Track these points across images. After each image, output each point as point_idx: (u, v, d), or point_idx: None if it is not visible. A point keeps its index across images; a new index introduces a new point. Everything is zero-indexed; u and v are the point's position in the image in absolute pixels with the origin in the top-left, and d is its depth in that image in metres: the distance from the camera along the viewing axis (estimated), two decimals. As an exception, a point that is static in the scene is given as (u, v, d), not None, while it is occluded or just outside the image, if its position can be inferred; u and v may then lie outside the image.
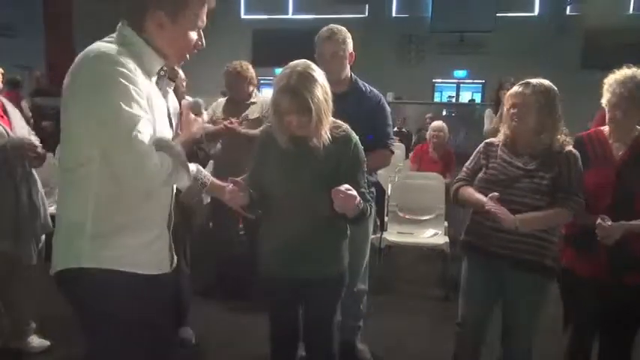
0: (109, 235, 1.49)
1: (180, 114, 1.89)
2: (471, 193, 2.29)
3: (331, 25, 2.76)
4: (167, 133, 1.61)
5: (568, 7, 13.82)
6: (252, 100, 3.79)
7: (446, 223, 4.52)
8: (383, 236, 4.27)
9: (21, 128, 2.77)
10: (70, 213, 1.52)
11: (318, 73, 1.89)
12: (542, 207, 2.14)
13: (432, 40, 14.19)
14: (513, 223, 2.09)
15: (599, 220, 2.11)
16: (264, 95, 4.08)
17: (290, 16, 15.47)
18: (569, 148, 2.20)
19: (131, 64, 1.44)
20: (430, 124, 6.10)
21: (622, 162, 2.25)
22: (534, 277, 2.20)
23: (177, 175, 1.52)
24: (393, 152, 2.95)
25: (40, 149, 2.70)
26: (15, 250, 2.71)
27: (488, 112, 4.60)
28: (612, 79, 2.24)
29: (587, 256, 2.28)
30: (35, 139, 2.78)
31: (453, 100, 15.09)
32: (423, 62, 14.72)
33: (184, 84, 3.21)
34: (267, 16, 15.26)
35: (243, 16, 15.26)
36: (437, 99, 15.17)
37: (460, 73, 14.90)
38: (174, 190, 1.72)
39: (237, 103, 3.77)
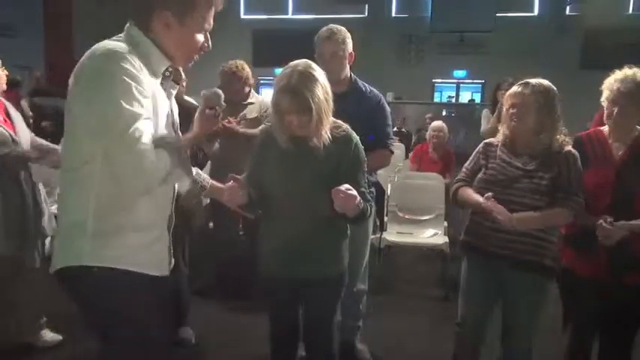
0: (109, 234, 1.50)
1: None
2: (470, 193, 2.29)
3: (331, 25, 2.76)
4: (170, 133, 1.61)
5: (568, 7, 13.82)
6: (249, 100, 3.78)
7: (445, 223, 4.52)
8: (383, 236, 4.27)
9: (23, 131, 2.77)
10: (72, 212, 1.52)
11: (319, 73, 1.89)
12: (542, 207, 2.14)
13: (432, 40, 14.20)
14: (511, 222, 2.09)
15: (600, 221, 2.11)
16: (262, 95, 4.07)
17: (290, 16, 15.47)
18: (569, 148, 2.21)
19: (137, 63, 1.44)
20: (430, 124, 6.10)
21: (621, 162, 2.25)
22: (534, 277, 2.20)
23: (177, 173, 1.52)
24: (392, 152, 2.95)
25: (41, 150, 2.70)
26: (19, 253, 2.71)
27: (485, 112, 4.60)
28: (612, 78, 2.25)
29: (586, 256, 2.28)
30: (39, 141, 2.80)
31: (453, 100, 15.10)
32: (422, 62, 14.73)
33: (184, 84, 3.20)
34: (266, 16, 15.27)
35: (242, 16, 15.27)
36: (437, 99, 15.18)
37: (460, 73, 14.91)
38: (175, 192, 1.73)
39: (235, 103, 3.76)
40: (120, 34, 1.55)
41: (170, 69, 1.62)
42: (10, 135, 2.64)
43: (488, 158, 2.33)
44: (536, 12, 14.11)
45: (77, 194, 1.50)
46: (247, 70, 3.73)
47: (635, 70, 2.21)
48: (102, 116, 1.40)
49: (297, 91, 1.82)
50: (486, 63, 13.36)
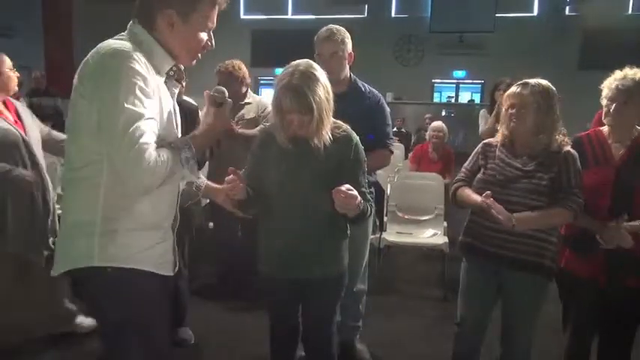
0: (118, 234, 1.50)
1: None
2: (469, 193, 2.29)
3: (330, 25, 2.76)
4: (173, 133, 1.61)
5: (567, 8, 13.84)
6: (247, 100, 3.77)
7: (445, 224, 4.52)
8: (382, 236, 4.27)
9: (34, 132, 2.79)
10: (79, 212, 1.51)
11: (321, 73, 1.90)
12: (541, 207, 2.14)
13: (431, 40, 14.20)
14: (510, 222, 2.09)
15: (613, 223, 2.12)
16: (261, 95, 4.06)
17: (289, 16, 15.48)
18: (568, 148, 2.21)
19: (143, 61, 1.44)
20: (429, 124, 6.11)
21: (621, 162, 2.25)
22: (533, 278, 2.20)
23: (181, 173, 1.51)
24: (392, 152, 2.95)
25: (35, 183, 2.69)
26: (26, 251, 2.71)
27: (482, 112, 4.60)
28: (612, 77, 2.25)
29: (585, 257, 2.28)
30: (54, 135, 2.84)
31: (452, 100, 15.12)
32: (422, 62, 14.74)
33: (183, 84, 3.20)
34: (266, 16, 15.28)
35: (242, 16, 15.28)
36: (436, 99, 15.21)
37: (459, 73, 14.92)
38: (180, 192, 1.72)
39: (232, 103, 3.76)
40: (122, 33, 1.54)
41: (174, 68, 1.62)
42: (21, 135, 2.67)
43: (487, 159, 2.33)
44: (535, 12, 14.13)
45: (84, 194, 1.50)
46: (244, 69, 3.72)
47: (636, 70, 2.21)
48: (104, 115, 1.40)
49: (298, 91, 1.82)
50: (486, 63, 13.37)
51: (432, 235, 4.40)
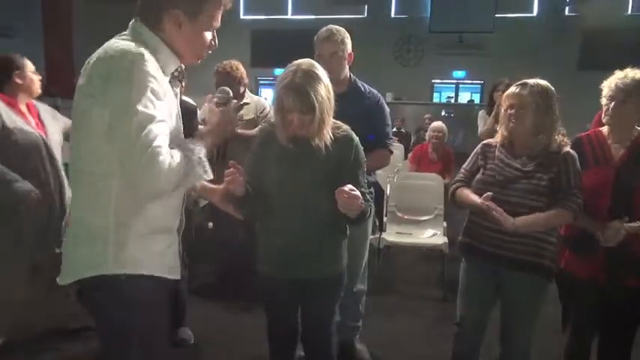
0: (131, 239, 1.46)
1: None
2: (468, 194, 2.29)
3: (330, 25, 2.77)
4: (180, 134, 1.59)
5: (567, 8, 13.84)
6: (245, 100, 3.77)
7: (445, 224, 4.53)
8: (382, 236, 4.27)
9: (54, 135, 2.82)
10: (91, 217, 1.47)
11: (322, 72, 1.90)
12: (541, 208, 2.14)
13: (431, 40, 14.20)
14: (512, 225, 2.09)
15: (613, 223, 2.13)
16: (261, 95, 4.06)
17: (289, 16, 15.48)
18: (567, 149, 2.21)
19: (153, 61, 1.42)
20: (429, 124, 6.11)
21: (621, 163, 2.25)
22: (532, 278, 2.20)
23: (193, 175, 1.47)
24: (392, 152, 2.95)
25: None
26: (40, 255, 2.72)
27: (481, 113, 4.60)
28: (613, 77, 2.25)
29: (585, 258, 2.28)
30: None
31: (452, 100, 15.12)
32: (421, 63, 14.74)
33: (183, 84, 3.19)
34: (266, 16, 15.28)
35: (242, 16, 15.28)
36: (436, 99, 15.21)
37: (459, 73, 14.92)
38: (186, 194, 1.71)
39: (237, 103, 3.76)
40: (124, 32, 1.51)
41: (179, 68, 1.61)
42: (42, 138, 2.71)
43: (487, 159, 2.33)
44: (535, 13, 14.13)
45: (96, 198, 1.45)
46: (242, 70, 3.72)
47: (637, 70, 2.21)
48: (116, 118, 1.36)
49: (301, 90, 1.82)
50: (485, 63, 13.37)
51: (431, 236, 4.41)
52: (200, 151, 1.49)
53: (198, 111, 3.85)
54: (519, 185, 2.18)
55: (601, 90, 2.29)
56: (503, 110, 2.28)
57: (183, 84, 3.16)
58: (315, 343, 2.21)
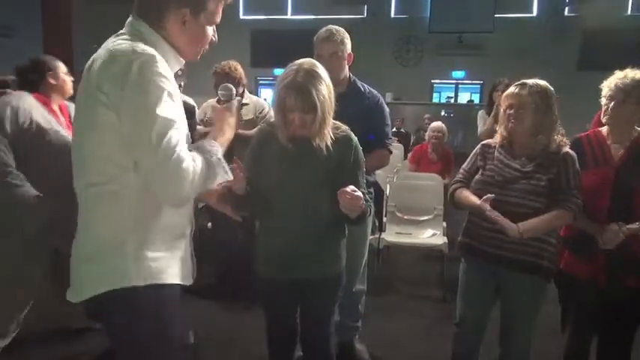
0: (150, 249, 1.42)
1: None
2: (467, 195, 2.30)
3: (330, 25, 2.77)
4: (187, 135, 1.53)
5: (566, 8, 13.85)
6: (244, 100, 3.77)
7: (444, 224, 4.53)
8: (381, 237, 4.28)
9: None
10: (107, 230, 1.40)
11: (324, 72, 1.90)
12: (540, 208, 2.14)
13: (431, 40, 14.22)
14: (517, 232, 2.10)
15: (613, 226, 2.13)
16: (261, 95, 4.07)
17: (289, 16, 15.49)
18: (566, 149, 2.21)
19: (163, 62, 1.36)
20: (429, 124, 6.10)
21: (620, 163, 2.25)
22: (531, 278, 2.20)
23: (213, 176, 1.42)
24: (391, 152, 2.95)
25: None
26: (61, 244, 2.73)
27: (481, 113, 4.60)
28: (613, 77, 2.25)
29: (585, 258, 2.28)
30: None
31: (452, 100, 15.13)
32: (421, 63, 14.76)
33: (182, 83, 3.20)
34: (265, 16, 15.29)
35: (241, 16, 15.28)
36: (435, 99, 15.22)
37: (458, 73, 14.93)
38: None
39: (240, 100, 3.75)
40: (122, 32, 1.45)
41: (183, 67, 1.58)
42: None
43: (486, 159, 2.33)
44: (534, 13, 14.14)
45: (110, 210, 1.39)
46: (240, 70, 3.73)
47: (637, 71, 2.21)
48: (134, 125, 1.31)
49: (303, 89, 1.82)
50: (485, 64, 13.39)
51: (431, 236, 4.40)
52: (218, 151, 1.46)
53: (197, 110, 3.86)
54: (518, 186, 2.18)
55: (600, 90, 2.29)
56: (502, 110, 2.28)
57: (182, 84, 3.18)
58: (314, 343, 2.21)
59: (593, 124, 2.75)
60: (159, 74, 1.32)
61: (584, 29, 13.04)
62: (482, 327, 2.42)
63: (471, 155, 2.42)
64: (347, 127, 2.03)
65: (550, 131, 2.19)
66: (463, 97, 15.20)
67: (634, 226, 2.13)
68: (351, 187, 1.76)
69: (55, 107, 2.79)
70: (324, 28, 2.75)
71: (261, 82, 15.45)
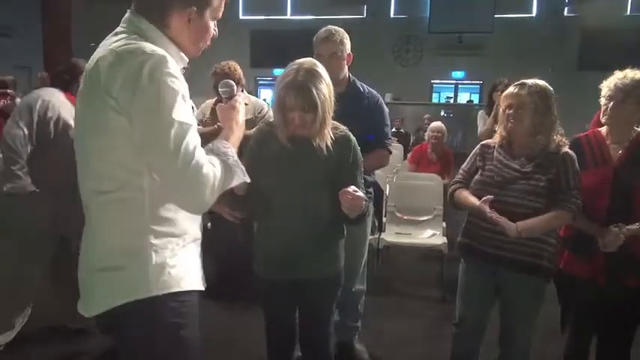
0: (168, 254, 1.36)
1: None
2: (466, 196, 2.30)
3: (329, 26, 2.77)
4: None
5: (566, 8, 13.86)
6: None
7: (444, 224, 4.53)
8: (381, 237, 4.28)
9: None
10: (121, 239, 1.34)
11: (324, 72, 1.90)
12: (539, 209, 2.14)
13: (430, 40, 14.23)
14: (516, 232, 2.10)
15: (613, 228, 2.13)
16: (260, 96, 4.07)
17: (288, 16, 15.49)
18: (566, 149, 2.21)
19: (173, 62, 1.30)
20: (428, 124, 6.10)
21: (619, 163, 2.25)
22: (531, 278, 2.20)
23: (230, 178, 1.39)
24: (391, 152, 2.95)
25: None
26: (70, 233, 2.73)
27: (481, 113, 4.60)
28: (613, 77, 2.25)
29: (584, 258, 2.28)
30: None
31: (451, 100, 15.14)
32: (421, 63, 14.77)
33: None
34: (265, 16, 15.29)
35: (241, 16, 15.29)
36: (435, 100, 15.24)
37: (458, 74, 14.95)
38: None
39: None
40: (121, 29, 1.39)
41: (187, 66, 1.53)
42: None
43: (485, 160, 2.33)
44: (534, 13, 14.15)
45: (125, 217, 1.33)
46: (239, 71, 3.74)
47: (636, 71, 2.21)
48: (150, 130, 1.25)
49: (303, 88, 1.82)
50: (485, 64, 13.41)
51: (430, 236, 4.40)
52: (232, 152, 1.42)
53: (196, 110, 3.86)
54: (518, 186, 2.19)
55: (600, 90, 2.29)
56: (501, 110, 2.28)
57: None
58: (313, 344, 2.21)
59: (593, 124, 2.75)
60: (170, 75, 1.27)
61: (583, 29, 13.06)
62: (482, 327, 2.42)
63: (471, 155, 2.42)
64: (345, 127, 2.03)
65: (549, 131, 2.19)
66: (463, 98, 15.22)
67: (634, 226, 2.13)
68: (352, 188, 1.76)
69: None
70: (323, 29, 2.75)
71: (260, 82, 15.46)
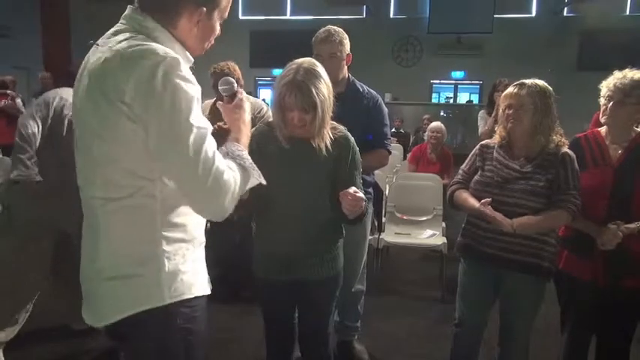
0: (180, 261, 1.34)
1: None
2: (466, 197, 2.30)
3: (328, 26, 2.77)
4: None
5: (565, 9, 13.86)
6: None
7: (444, 224, 4.53)
8: (381, 237, 4.28)
9: None
10: (133, 246, 1.30)
11: (324, 71, 1.90)
12: (539, 209, 2.14)
13: (430, 41, 14.21)
14: (511, 227, 2.10)
15: (611, 226, 2.13)
16: (260, 96, 4.07)
17: (288, 17, 15.48)
18: (565, 149, 2.21)
19: (185, 64, 1.26)
20: (428, 125, 6.11)
21: (619, 163, 2.25)
22: (531, 279, 2.21)
23: (248, 184, 1.38)
24: (390, 152, 2.95)
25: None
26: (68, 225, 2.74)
27: (481, 113, 4.60)
28: (612, 77, 2.25)
29: (583, 258, 2.28)
30: None
31: (451, 101, 15.13)
32: (420, 63, 14.75)
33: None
34: (264, 17, 15.28)
35: (240, 17, 15.28)
36: (434, 100, 15.22)
37: (458, 74, 14.93)
38: None
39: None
40: (122, 28, 1.32)
41: (192, 65, 1.48)
42: None
43: (485, 160, 2.33)
44: (533, 13, 14.14)
45: (136, 224, 1.29)
46: (238, 71, 3.74)
47: (636, 71, 2.21)
48: (167, 137, 1.20)
49: (302, 87, 1.82)
50: (484, 64, 13.40)
51: (430, 236, 4.40)
52: (246, 154, 1.40)
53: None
54: (517, 186, 2.19)
55: (599, 90, 2.29)
56: (501, 111, 2.28)
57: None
58: (312, 344, 2.21)
59: (592, 124, 2.75)
60: (185, 79, 1.22)
61: (583, 29, 13.07)
62: (482, 327, 2.42)
63: (470, 156, 2.42)
64: (344, 128, 2.03)
65: (549, 131, 2.19)
66: (462, 98, 15.21)
67: (632, 225, 2.13)
68: (352, 189, 1.76)
69: None
70: (322, 29, 2.75)
71: (260, 82, 15.45)
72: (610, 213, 2.19)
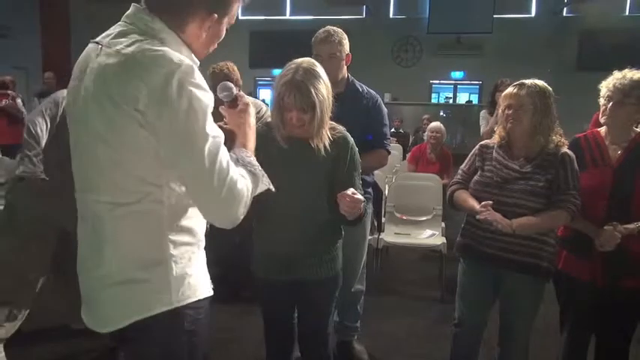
0: (187, 264, 1.33)
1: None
2: (466, 198, 2.30)
3: (328, 26, 2.77)
4: None
5: (565, 9, 13.87)
6: None
7: (443, 224, 4.53)
8: (380, 237, 4.28)
9: None
10: (140, 251, 1.28)
11: (323, 71, 1.90)
12: (539, 209, 2.14)
13: (430, 41, 14.21)
14: (510, 228, 2.10)
15: (609, 227, 2.13)
16: (260, 96, 4.08)
17: (287, 17, 15.48)
18: (565, 149, 2.21)
19: (198, 70, 1.24)
20: (427, 125, 6.11)
21: (618, 163, 2.25)
22: (530, 279, 2.21)
23: (257, 190, 1.38)
24: (389, 152, 2.95)
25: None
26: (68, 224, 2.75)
27: (483, 113, 4.61)
28: (611, 77, 2.25)
29: (582, 259, 2.29)
30: None
31: (450, 101, 15.14)
32: (420, 63, 14.75)
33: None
34: (264, 17, 15.28)
35: (240, 17, 15.27)
36: (434, 100, 15.22)
37: (457, 74, 14.93)
38: None
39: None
40: (127, 28, 1.28)
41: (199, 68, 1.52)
42: None
43: (484, 160, 2.33)
44: (533, 13, 14.14)
45: (144, 229, 1.28)
46: (237, 71, 3.75)
47: (635, 71, 2.21)
48: (183, 146, 1.19)
49: (301, 87, 1.82)
50: (484, 64, 13.41)
51: (430, 236, 4.41)
52: (255, 160, 1.40)
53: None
54: (517, 186, 2.19)
55: (599, 90, 2.29)
56: (500, 111, 2.28)
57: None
58: (311, 344, 2.21)
59: (592, 124, 2.75)
60: (199, 87, 1.20)
61: (582, 30, 13.07)
62: (482, 327, 2.42)
63: (470, 156, 2.43)
64: (343, 128, 2.03)
65: (548, 131, 2.19)
66: (462, 98, 15.21)
67: (631, 226, 2.14)
68: (351, 190, 1.76)
69: None
70: (322, 29, 2.75)
71: (259, 82, 15.45)
72: (609, 213, 2.19)
